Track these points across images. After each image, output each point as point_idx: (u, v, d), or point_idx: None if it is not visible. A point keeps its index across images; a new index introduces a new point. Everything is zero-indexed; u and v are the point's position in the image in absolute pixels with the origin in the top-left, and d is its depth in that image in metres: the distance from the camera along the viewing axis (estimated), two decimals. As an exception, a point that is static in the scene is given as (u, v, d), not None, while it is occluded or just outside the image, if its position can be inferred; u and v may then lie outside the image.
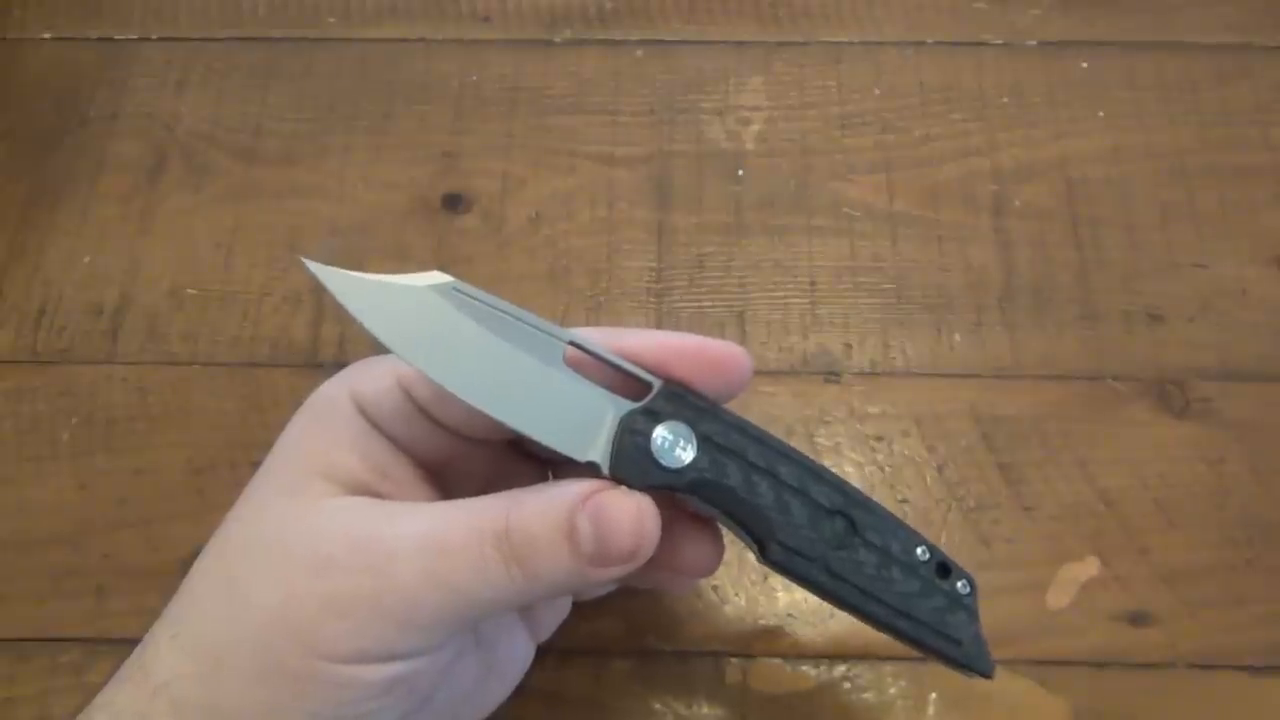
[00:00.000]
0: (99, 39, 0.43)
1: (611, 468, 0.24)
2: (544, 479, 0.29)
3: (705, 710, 0.31)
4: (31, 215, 0.39)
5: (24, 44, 0.43)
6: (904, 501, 0.34)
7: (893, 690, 0.31)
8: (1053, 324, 0.37)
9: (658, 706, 0.31)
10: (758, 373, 0.36)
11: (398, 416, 0.25)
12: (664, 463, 0.24)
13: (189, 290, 0.38)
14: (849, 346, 0.37)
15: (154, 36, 0.43)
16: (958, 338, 0.37)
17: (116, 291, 0.38)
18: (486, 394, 0.24)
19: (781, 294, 0.38)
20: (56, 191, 0.40)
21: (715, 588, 0.33)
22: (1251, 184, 0.39)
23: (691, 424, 0.24)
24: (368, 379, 0.26)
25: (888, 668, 0.32)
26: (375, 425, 0.25)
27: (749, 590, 0.33)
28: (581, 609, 0.32)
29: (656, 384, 0.25)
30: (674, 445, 0.24)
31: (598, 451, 0.24)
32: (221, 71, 0.42)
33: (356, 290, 0.24)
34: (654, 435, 0.24)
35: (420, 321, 0.24)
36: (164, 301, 0.38)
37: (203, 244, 0.39)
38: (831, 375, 0.36)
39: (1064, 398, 0.36)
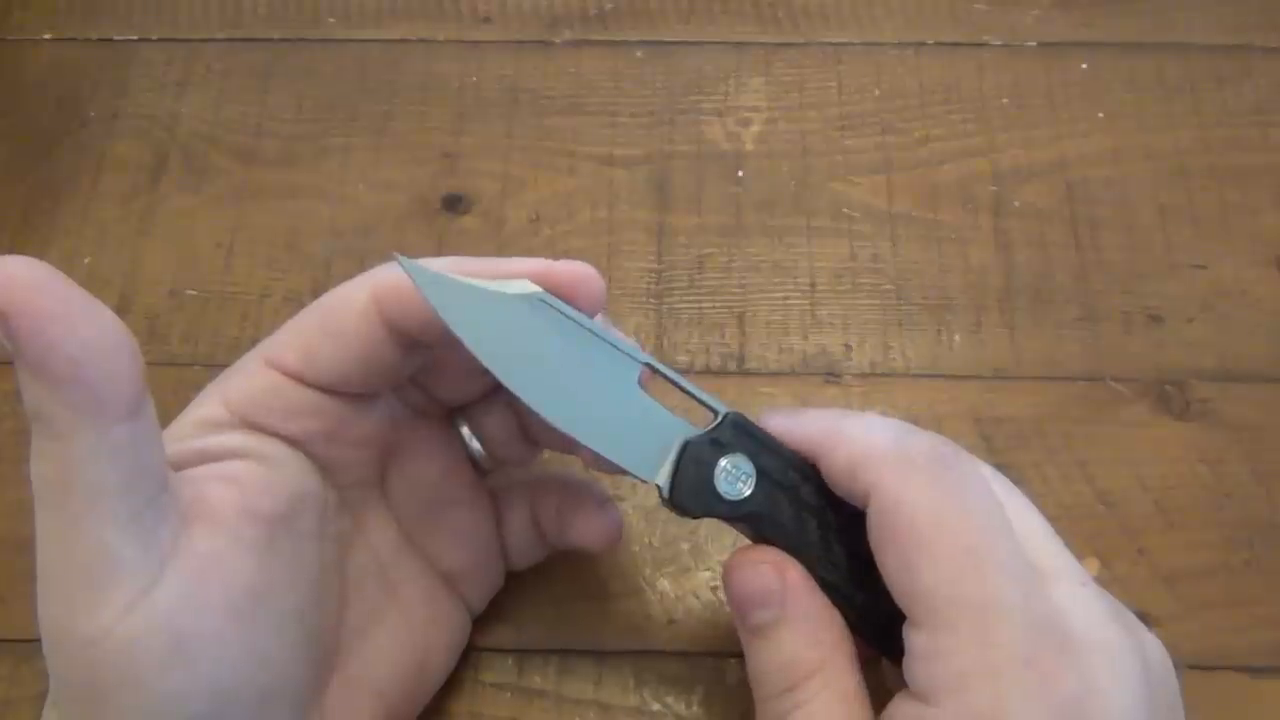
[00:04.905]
0: (99, 39, 0.43)
1: (672, 492, 0.25)
2: (446, 436, 0.29)
3: (705, 710, 0.31)
4: (32, 215, 0.40)
5: (24, 44, 0.43)
6: (904, 502, 0.34)
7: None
8: (1052, 325, 0.37)
9: (657, 707, 0.31)
10: (758, 373, 0.36)
11: (274, 400, 0.25)
12: (724, 494, 0.25)
13: (189, 291, 0.38)
14: (849, 347, 0.37)
15: (154, 37, 0.43)
16: (957, 338, 0.37)
17: (116, 292, 0.38)
18: (563, 410, 0.24)
19: (781, 295, 0.38)
20: (56, 192, 0.40)
21: (715, 588, 0.33)
22: (1251, 184, 0.40)
23: (752, 457, 0.25)
24: (236, 381, 0.26)
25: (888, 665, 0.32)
26: (259, 427, 0.25)
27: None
28: (581, 609, 0.32)
29: (721, 412, 0.25)
30: (735, 478, 0.25)
31: (662, 475, 0.25)
32: (221, 72, 0.42)
33: (448, 293, 0.24)
34: (717, 466, 0.25)
35: (507, 332, 0.24)
36: (164, 302, 0.38)
37: (203, 244, 0.39)
38: (831, 376, 0.36)
39: (1064, 398, 0.36)
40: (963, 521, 0.22)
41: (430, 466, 0.29)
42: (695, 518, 0.25)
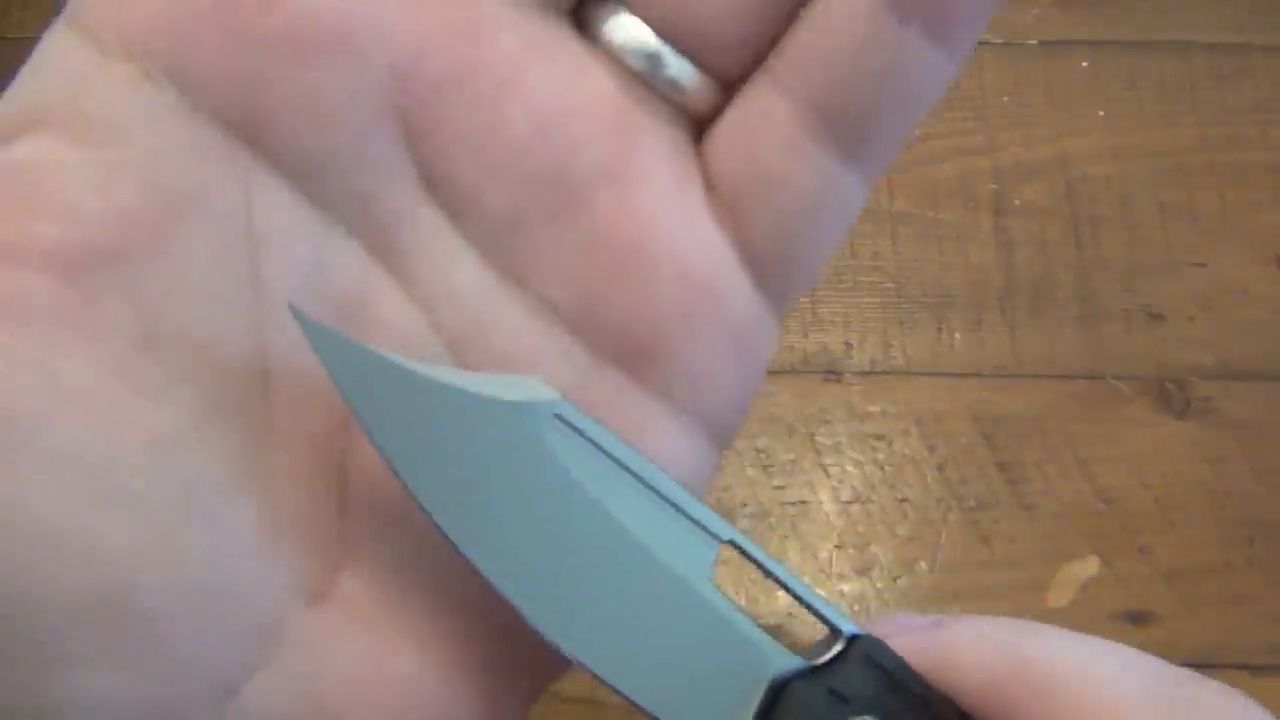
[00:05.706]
0: (99, 38, 0.43)
1: None
2: (565, 46, 0.14)
3: (706, 709, 0.31)
4: (32, 214, 0.39)
5: (24, 43, 0.43)
6: (904, 501, 0.34)
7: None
8: (1053, 323, 0.37)
9: (658, 705, 0.31)
10: (758, 372, 0.36)
11: None
12: None
13: (189, 289, 0.38)
14: (849, 345, 0.37)
15: (154, 35, 0.43)
16: (958, 337, 0.37)
17: (117, 290, 0.38)
18: (572, 615, 0.14)
19: (782, 293, 0.38)
20: (57, 190, 0.40)
21: (714, 587, 0.33)
22: (1251, 182, 0.40)
23: (888, 714, 0.15)
24: None
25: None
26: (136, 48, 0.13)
27: (749, 589, 0.33)
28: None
29: (845, 632, 0.15)
30: None
31: None
32: (222, 70, 0.42)
33: (379, 384, 0.13)
34: None
35: (489, 468, 0.13)
36: (164, 300, 0.38)
37: (203, 243, 0.39)
38: (832, 374, 0.36)
39: (1064, 397, 0.36)
40: None
41: (533, 115, 0.14)
42: None
